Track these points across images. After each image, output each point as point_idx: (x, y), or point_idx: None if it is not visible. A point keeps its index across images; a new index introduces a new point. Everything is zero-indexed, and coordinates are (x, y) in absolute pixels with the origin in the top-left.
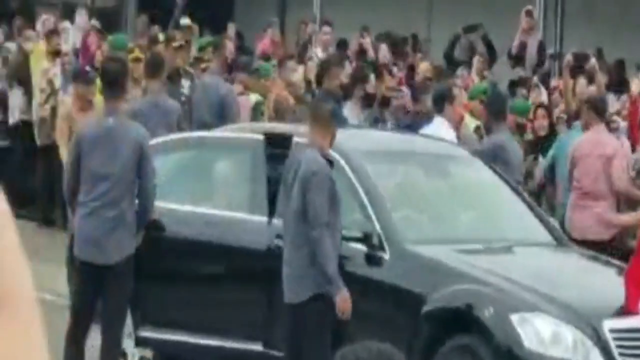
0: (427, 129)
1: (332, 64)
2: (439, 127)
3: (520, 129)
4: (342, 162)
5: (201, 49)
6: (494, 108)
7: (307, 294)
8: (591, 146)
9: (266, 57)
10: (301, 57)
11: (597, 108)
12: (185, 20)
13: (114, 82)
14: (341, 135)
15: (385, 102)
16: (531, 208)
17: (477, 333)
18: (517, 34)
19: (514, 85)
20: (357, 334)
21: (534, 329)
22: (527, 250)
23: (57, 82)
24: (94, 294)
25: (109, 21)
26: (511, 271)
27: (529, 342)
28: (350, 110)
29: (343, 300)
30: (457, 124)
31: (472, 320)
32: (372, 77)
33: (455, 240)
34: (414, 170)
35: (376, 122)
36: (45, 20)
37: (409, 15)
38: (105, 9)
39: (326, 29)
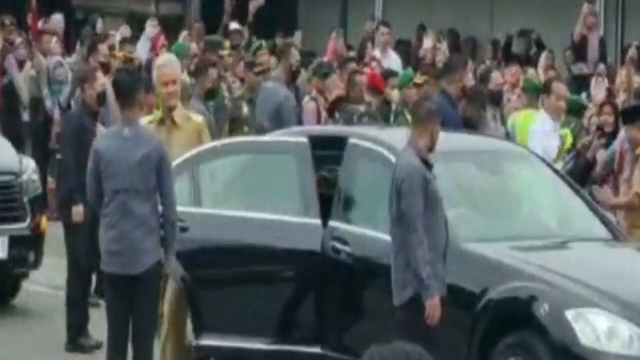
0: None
1: (455, 66)
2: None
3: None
4: (395, 159)
5: (255, 51)
6: None
7: (405, 297)
8: None
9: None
10: (361, 58)
11: None
12: (234, 25)
13: (125, 93)
14: (394, 133)
15: (495, 99)
16: (587, 203)
17: (532, 330)
18: (577, 27)
19: (576, 80)
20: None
21: (590, 324)
22: (583, 245)
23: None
24: (127, 306)
25: (172, 29)
26: (567, 267)
27: (584, 338)
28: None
29: (433, 306)
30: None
31: (527, 317)
32: None
33: (510, 237)
34: (469, 168)
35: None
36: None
37: (470, 15)
38: (169, 17)
39: (384, 29)
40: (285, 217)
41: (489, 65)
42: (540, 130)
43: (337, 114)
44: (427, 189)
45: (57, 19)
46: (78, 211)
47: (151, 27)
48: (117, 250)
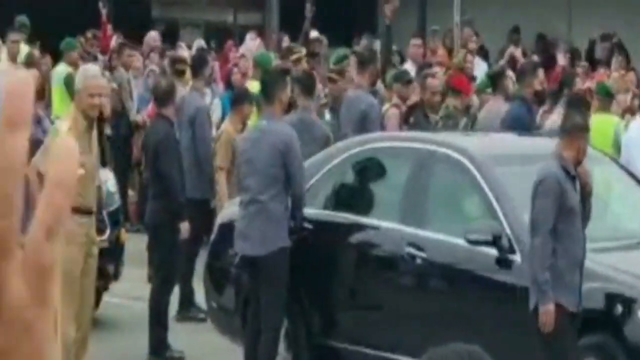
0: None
1: (527, 71)
2: None
3: None
4: (470, 165)
5: (338, 61)
6: None
7: (532, 303)
8: None
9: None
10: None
11: None
12: (314, 33)
13: (268, 90)
14: (469, 139)
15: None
16: None
17: (609, 331)
18: None
19: None
20: (488, 336)
21: None
22: None
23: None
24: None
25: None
26: None
27: None
28: (559, 114)
29: (546, 313)
30: None
31: (603, 319)
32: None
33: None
34: None
35: None
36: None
37: (549, 20)
38: (249, 27)
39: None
40: (383, 223)
41: (573, 71)
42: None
43: (411, 120)
44: (562, 197)
45: (153, 37)
46: (186, 228)
47: (252, 41)
48: (242, 231)
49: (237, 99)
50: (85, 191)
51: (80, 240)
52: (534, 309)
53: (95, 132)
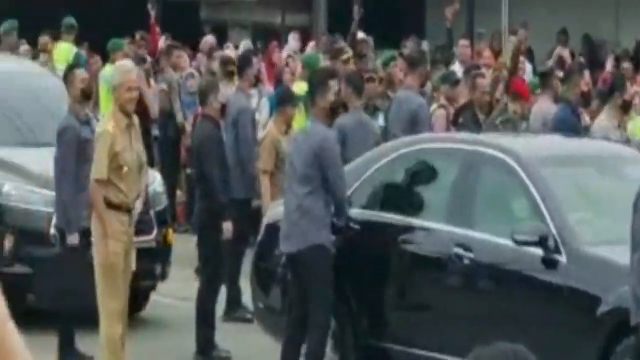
0: None
1: (574, 72)
2: None
3: None
4: (517, 166)
5: (386, 62)
6: None
7: (636, 319)
8: None
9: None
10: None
11: None
12: (361, 35)
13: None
14: (515, 140)
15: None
16: None
17: None
18: None
19: None
20: (533, 336)
21: None
22: None
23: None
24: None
25: (300, 40)
26: None
27: None
28: (608, 116)
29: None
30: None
31: None
32: None
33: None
34: (588, 172)
35: None
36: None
37: (595, 19)
38: (296, 28)
39: (513, 38)
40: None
41: (623, 73)
42: None
43: (460, 120)
44: None
45: (209, 40)
46: (228, 228)
47: (294, 41)
48: (283, 230)
49: (280, 100)
50: (128, 188)
51: (121, 237)
52: (635, 325)
53: (135, 130)
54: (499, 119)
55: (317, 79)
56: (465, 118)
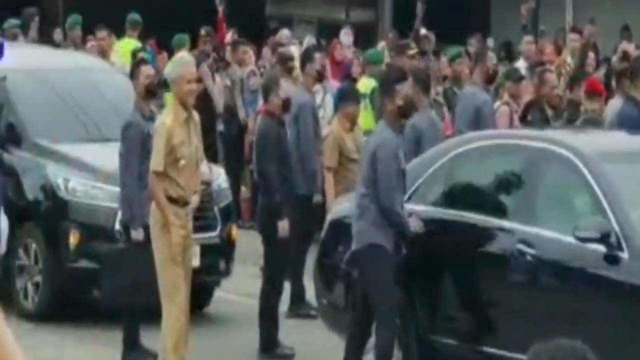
0: None
1: (638, 69)
2: None
3: None
4: (579, 162)
5: (452, 59)
6: None
7: None
8: None
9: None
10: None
11: None
12: (424, 31)
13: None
14: (577, 136)
15: None
16: None
17: None
18: None
19: None
20: (595, 332)
21: None
22: None
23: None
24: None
25: (364, 36)
26: None
27: None
28: None
29: None
30: None
31: None
32: None
33: None
34: None
35: None
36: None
37: None
38: (361, 24)
39: (574, 35)
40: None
41: None
42: None
43: (528, 117)
44: None
45: (285, 34)
46: (284, 226)
47: (346, 36)
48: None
49: (342, 98)
50: (185, 182)
51: (179, 231)
52: None
53: (194, 124)
54: (582, 118)
55: (386, 83)
56: (533, 114)
